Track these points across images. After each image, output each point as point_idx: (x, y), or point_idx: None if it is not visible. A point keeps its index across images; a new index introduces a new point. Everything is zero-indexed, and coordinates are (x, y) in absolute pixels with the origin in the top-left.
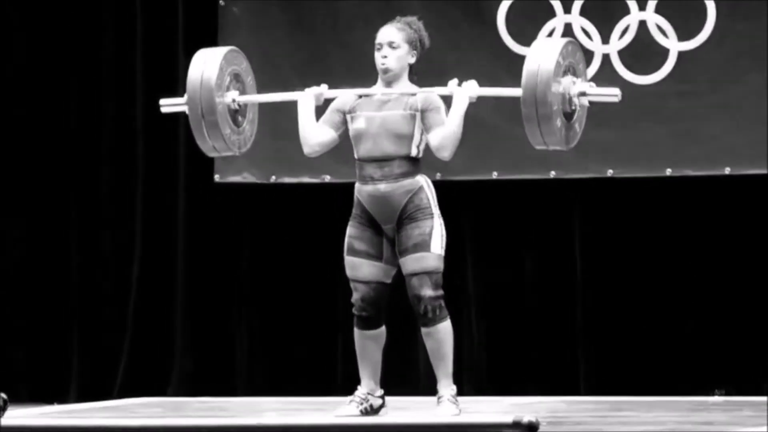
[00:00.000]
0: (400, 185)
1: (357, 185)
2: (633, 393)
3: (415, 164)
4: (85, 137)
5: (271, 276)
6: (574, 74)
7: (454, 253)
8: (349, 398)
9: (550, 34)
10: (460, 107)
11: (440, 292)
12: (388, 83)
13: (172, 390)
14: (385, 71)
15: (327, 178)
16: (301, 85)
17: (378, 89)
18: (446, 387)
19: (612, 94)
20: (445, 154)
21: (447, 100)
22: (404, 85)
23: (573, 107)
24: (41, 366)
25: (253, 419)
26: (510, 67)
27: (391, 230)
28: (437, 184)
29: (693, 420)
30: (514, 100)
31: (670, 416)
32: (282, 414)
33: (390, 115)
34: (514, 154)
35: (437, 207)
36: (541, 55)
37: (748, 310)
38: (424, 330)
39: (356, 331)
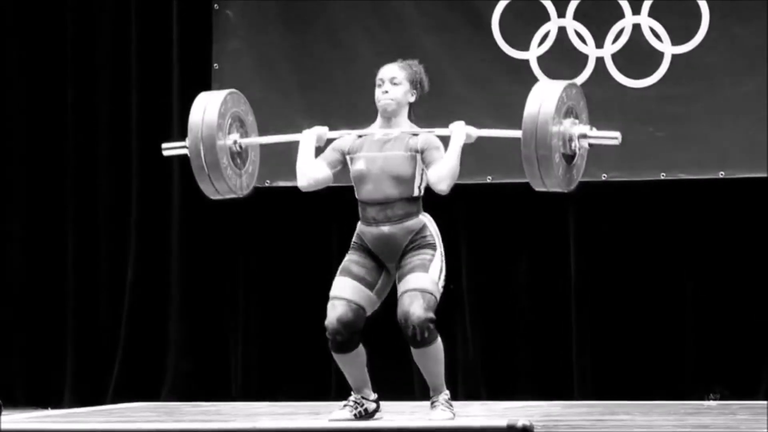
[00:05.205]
0: (404, 226)
1: (360, 225)
2: (627, 397)
3: (417, 204)
4: (80, 141)
5: (266, 280)
6: (576, 116)
7: (449, 257)
8: (342, 403)
9: (544, 38)
10: (457, 143)
11: (430, 314)
12: (388, 120)
13: (166, 394)
14: (386, 107)
15: None
16: (296, 89)
17: (378, 130)
18: (440, 394)
19: (612, 137)
20: (443, 188)
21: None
22: (404, 123)
23: (573, 149)
24: (37, 370)
25: (248, 423)
26: (504, 70)
27: (394, 268)
28: (432, 188)
29: (688, 423)
30: (509, 104)
31: (666, 420)
32: (276, 418)
33: (391, 156)
34: (508, 158)
35: (441, 244)
36: (542, 96)
37: (742, 313)
38: (413, 350)
39: (333, 354)
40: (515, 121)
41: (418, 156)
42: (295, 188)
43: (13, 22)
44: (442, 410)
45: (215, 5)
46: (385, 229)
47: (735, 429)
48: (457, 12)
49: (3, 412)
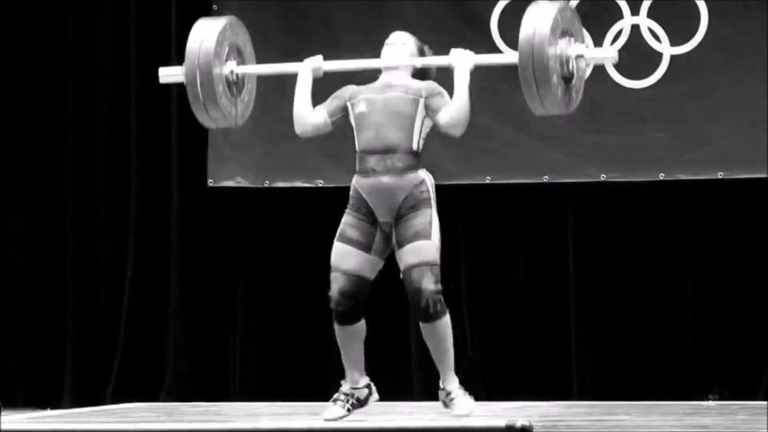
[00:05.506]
0: (403, 178)
1: (356, 178)
2: (627, 397)
3: (417, 158)
4: (79, 141)
5: (265, 280)
6: (571, 37)
7: (448, 257)
8: (333, 398)
9: None
10: (464, 81)
11: (440, 287)
12: (390, 75)
13: (165, 394)
14: (388, 57)
15: (320, 183)
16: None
17: (379, 82)
18: (451, 381)
19: (609, 56)
20: (457, 132)
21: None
22: (407, 77)
23: (571, 70)
24: (36, 370)
25: (247, 424)
26: (503, 70)
27: (387, 225)
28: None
29: (688, 424)
30: (509, 104)
31: (665, 420)
32: (275, 418)
33: (392, 97)
34: (507, 158)
35: (435, 201)
36: (537, 19)
37: (742, 314)
38: (424, 325)
39: (335, 325)
40: (515, 121)
41: (421, 101)
42: (295, 188)
43: (13, 22)
44: (463, 401)
45: (214, 6)
46: (384, 179)
47: (734, 429)
48: (457, 12)
49: (2, 413)
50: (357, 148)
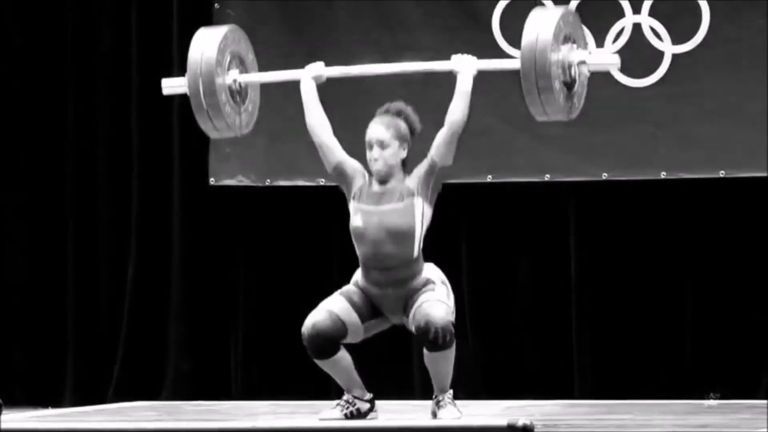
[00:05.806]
0: (409, 286)
1: (362, 281)
2: (628, 396)
3: (418, 263)
4: (80, 140)
5: (266, 279)
6: (573, 43)
7: (449, 256)
8: (335, 402)
9: None
10: (467, 85)
11: (452, 318)
12: (382, 181)
13: (166, 393)
14: (378, 173)
15: (322, 182)
16: (297, 90)
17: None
18: (445, 392)
19: (612, 62)
20: (456, 131)
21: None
22: (399, 178)
23: (573, 76)
24: (37, 370)
25: (248, 422)
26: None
27: (397, 318)
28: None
29: (689, 423)
30: (510, 103)
31: (666, 419)
32: (276, 417)
33: (388, 211)
34: (508, 157)
35: (444, 283)
36: (539, 24)
37: (743, 313)
38: (429, 353)
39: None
40: (516, 119)
41: (416, 194)
42: (296, 187)
43: (13, 22)
44: (450, 409)
45: (216, 5)
46: (390, 291)
47: (735, 428)
48: (457, 12)
49: (3, 412)
50: (358, 256)
